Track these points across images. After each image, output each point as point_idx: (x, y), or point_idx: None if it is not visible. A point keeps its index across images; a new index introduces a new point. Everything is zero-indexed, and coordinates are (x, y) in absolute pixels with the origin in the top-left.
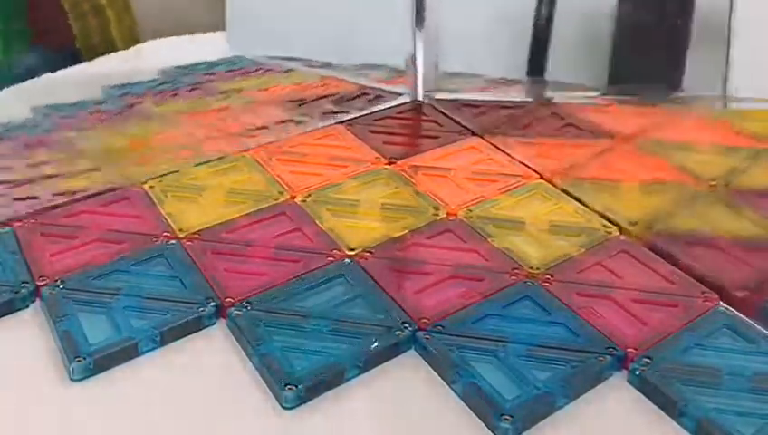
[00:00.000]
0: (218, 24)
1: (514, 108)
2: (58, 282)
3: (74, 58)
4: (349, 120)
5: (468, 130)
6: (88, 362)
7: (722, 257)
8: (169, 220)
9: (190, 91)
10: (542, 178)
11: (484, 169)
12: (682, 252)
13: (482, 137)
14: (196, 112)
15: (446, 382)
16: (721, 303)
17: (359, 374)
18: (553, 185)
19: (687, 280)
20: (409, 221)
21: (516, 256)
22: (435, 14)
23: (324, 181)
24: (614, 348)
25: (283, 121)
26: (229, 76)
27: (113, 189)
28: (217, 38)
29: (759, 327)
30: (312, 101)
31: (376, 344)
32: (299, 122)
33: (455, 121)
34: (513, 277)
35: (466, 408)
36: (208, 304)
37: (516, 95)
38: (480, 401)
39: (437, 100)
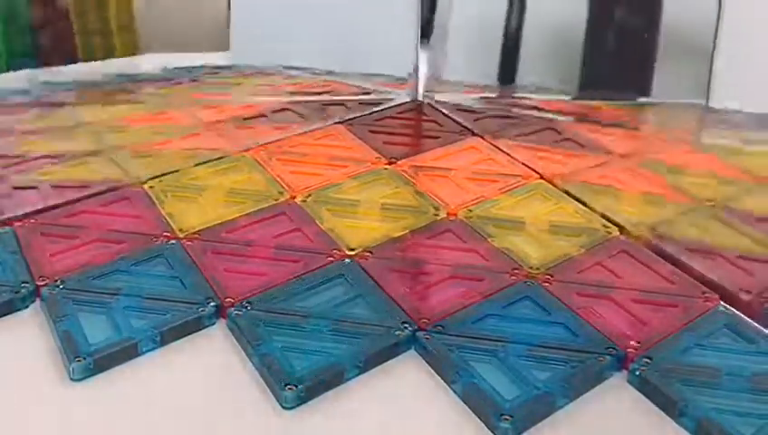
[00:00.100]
0: (223, 48)
1: (512, 117)
2: (58, 282)
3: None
4: (349, 119)
5: (468, 130)
6: (88, 362)
7: (724, 264)
8: (169, 220)
9: (191, 81)
10: (542, 178)
11: (485, 169)
12: (683, 254)
13: (482, 137)
14: (198, 93)
15: (446, 382)
16: (721, 303)
17: (359, 374)
18: (554, 185)
19: (687, 280)
20: (409, 221)
21: (516, 256)
22: (439, 15)
23: (324, 181)
24: (614, 348)
25: (282, 109)
26: (230, 75)
27: (113, 189)
28: (219, 57)
29: (759, 327)
30: (313, 93)
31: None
32: (298, 114)
33: (455, 121)
34: (514, 277)
35: (466, 408)
36: (208, 304)
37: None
38: (480, 401)
39: (438, 100)
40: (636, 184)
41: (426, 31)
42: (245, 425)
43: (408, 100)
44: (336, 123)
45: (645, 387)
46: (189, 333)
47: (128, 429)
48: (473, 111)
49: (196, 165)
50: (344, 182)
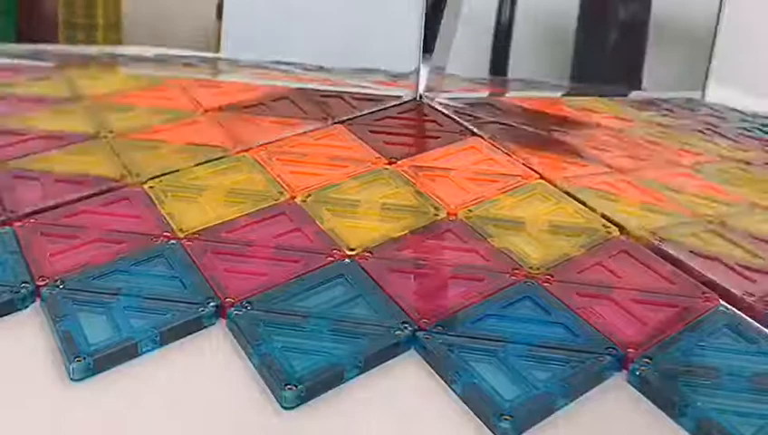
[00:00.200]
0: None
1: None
2: (58, 282)
3: None
4: (349, 119)
5: (468, 130)
6: (88, 362)
7: (724, 268)
8: (169, 220)
9: (184, 66)
10: (542, 178)
11: (485, 169)
12: (683, 255)
13: (482, 137)
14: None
15: (446, 382)
16: (721, 303)
17: (359, 374)
18: (554, 185)
19: (687, 280)
20: (410, 221)
21: (516, 256)
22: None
23: (324, 181)
24: (614, 348)
25: (282, 98)
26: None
27: (113, 189)
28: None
29: (760, 327)
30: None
31: None
32: (297, 105)
33: (455, 121)
34: (514, 277)
35: (466, 408)
36: (208, 304)
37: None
38: (480, 401)
39: (438, 100)
40: (636, 194)
41: (431, 27)
42: (245, 425)
43: (408, 98)
44: (336, 123)
45: (645, 387)
46: (189, 334)
47: (127, 429)
48: (473, 111)
49: (197, 165)
50: (344, 182)
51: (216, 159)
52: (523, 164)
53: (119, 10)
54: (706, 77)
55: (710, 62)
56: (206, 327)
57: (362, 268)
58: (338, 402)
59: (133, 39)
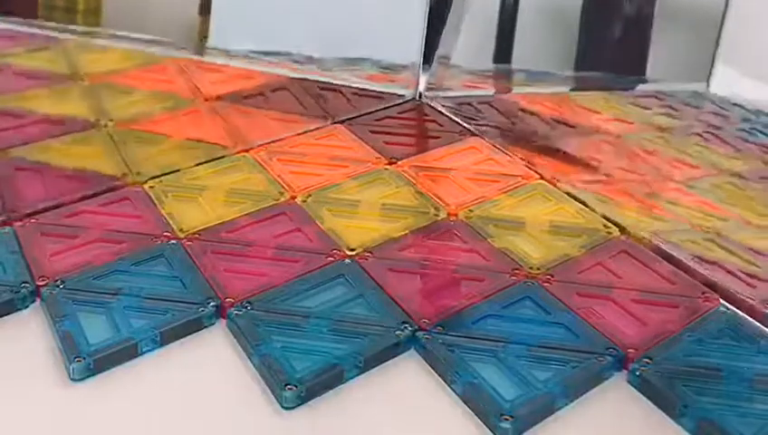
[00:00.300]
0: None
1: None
2: (58, 282)
3: None
4: (349, 119)
5: (469, 130)
6: (88, 362)
7: (725, 271)
8: (169, 220)
9: (178, 49)
10: (542, 178)
11: (485, 170)
12: (684, 256)
13: (483, 137)
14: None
15: (446, 382)
16: (722, 302)
17: (359, 374)
18: (554, 185)
19: (688, 280)
20: (410, 221)
21: (517, 256)
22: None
23: (325, 181)
24: (614, 348)
25: (281, 88)
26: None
27: (113, 189)
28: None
29: (760, 327)
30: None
31: None
32: (296, 97)
33: (455, 122)
34: (514, 277)
35: (466, 408)
36: (208, 304)
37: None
38: (480, 402)
39: (438, 100)
40: (631, 201)
41: (436, 26)
42: (245, 425)
43: (408, 97)
44: (336, 123)
45: (645, 387)
46: (189, 334)
47: (127, 429)
48: (474, 111)
49: (197, 165)
50: (344, 182)
51: (217, 159)
52: (524, 164)
53: None
54: (712, 65)
55: (717, 47)
56: (206, 327)
57: (362, 268)
58: (338, 402)
59: (113, 26)
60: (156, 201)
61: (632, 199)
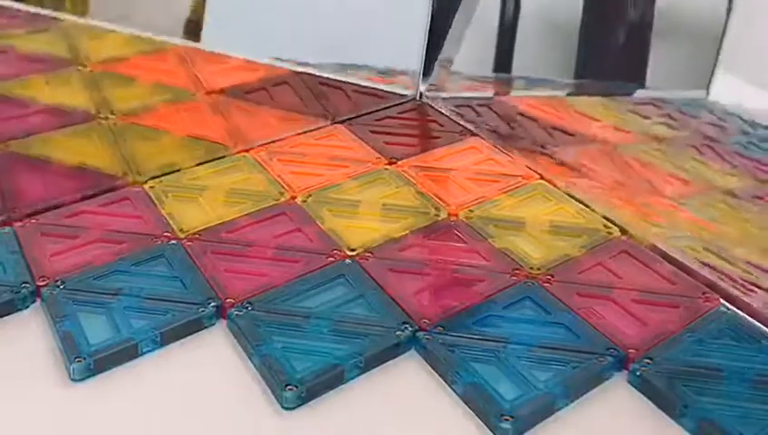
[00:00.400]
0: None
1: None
2: (58, 282)
3: None
4: (349, 119)
5: (469, 130)
6: (88, 362)
7: (725, 274)
8: (170, 220)
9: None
10: (542, 178)
11: (486, 170)
12: (684, 257)
13: (483, 137)
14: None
15: (446, 382)
16: (722, 302)
17: (359, 374)
18: (554, 186)
19: (688, 280)
20: (410, 221)
21: (517, 256)
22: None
23: (325, 181)
24: (615, 349)
25: (282, 83)
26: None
27: (113, 189)
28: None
29: (761, 327)
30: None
31: None
32: (297, 94)
33: (456, 122)
34: (514, 278)
35: (467, 408)
36: (209, 304)
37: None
38: (480, 402)
39: (438, 100)
40: (628, 206)
41: (438, 29)
42: (246, 425)
43: (409, 97)
44: (336, 123)
45: (645, 388)
46: (190, 334)
47: (128, 429)
48: (474, 112)
49: (197, 164)
50: (345, 182)
51: (217, 159)
52: (524, 164)
53: None
54: (712, 72)
55: (718, 55)
56: (206, 328)
57: (363, 269)
58: (338, 403)
59: (100, 15)
60: (156, 201)
61: (629, 205)
